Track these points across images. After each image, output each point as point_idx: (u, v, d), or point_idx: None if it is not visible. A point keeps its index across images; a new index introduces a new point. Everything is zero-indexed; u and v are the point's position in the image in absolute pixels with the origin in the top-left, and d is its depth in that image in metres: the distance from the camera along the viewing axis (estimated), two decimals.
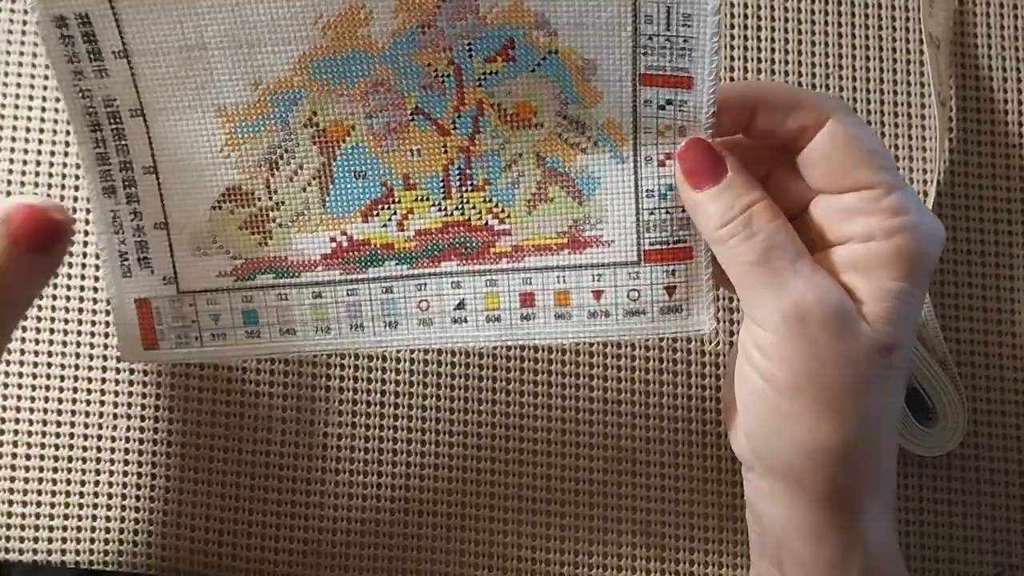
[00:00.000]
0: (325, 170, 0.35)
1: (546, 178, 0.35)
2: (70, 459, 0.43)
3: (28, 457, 0.43)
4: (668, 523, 0.43)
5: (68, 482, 0.43)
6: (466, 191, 0.35)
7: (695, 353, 0.44)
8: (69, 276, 0.44)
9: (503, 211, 0.36)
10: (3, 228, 0.30)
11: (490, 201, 0.35)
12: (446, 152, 0.35)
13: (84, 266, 0.44)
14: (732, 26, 0.47)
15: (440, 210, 0.35)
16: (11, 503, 0.42)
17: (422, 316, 0.36)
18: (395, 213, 0.36)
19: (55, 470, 0.43)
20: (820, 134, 0.32)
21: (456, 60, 0.34)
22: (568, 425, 0.44)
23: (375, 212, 0.36)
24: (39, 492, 0.43)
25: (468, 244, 0.36)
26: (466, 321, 0.36)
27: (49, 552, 0.42)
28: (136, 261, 0.36)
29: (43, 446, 0.43)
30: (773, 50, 0.47)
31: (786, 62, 0.46)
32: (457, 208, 0.35)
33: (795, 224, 0.33)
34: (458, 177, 0.35)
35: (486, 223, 0.36)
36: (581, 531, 0.43)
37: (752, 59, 0.46)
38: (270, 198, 0.36)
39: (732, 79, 0.46)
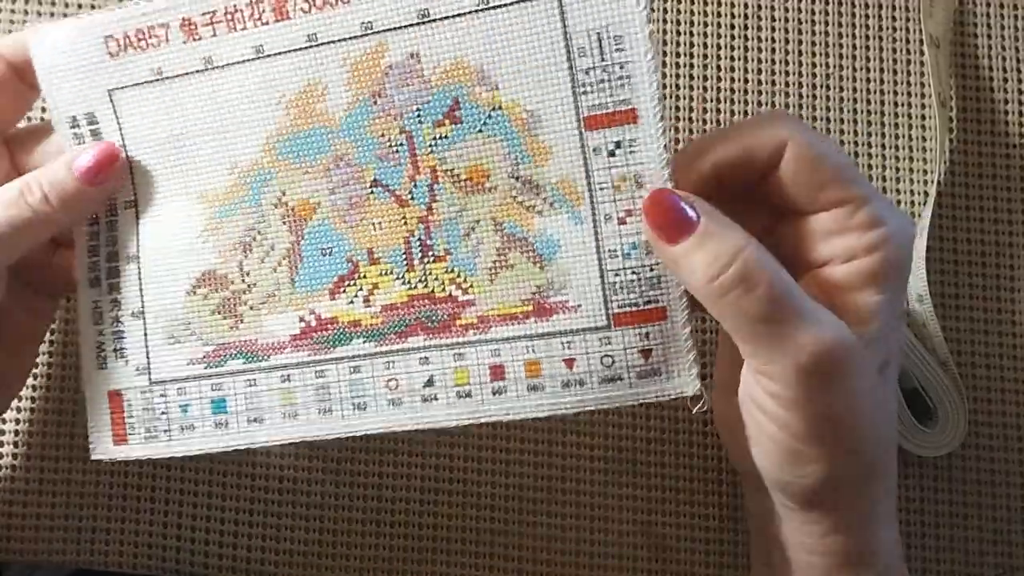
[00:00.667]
0: (294, 249, 0.35)
1: (505, 244, 0.34)
2: (70, 459, 0.43)
3: (28, 457, 0.43)
4: (668, 523, 0.43)
5: (68, 482, 0.43)
6: (428, 262, 0.35)
7: (695, 352, 0.44)
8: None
9: (466, 281, 0.35)
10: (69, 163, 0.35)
11: (452, 271, 0.35)
12: (406, 224, 0.35)
13: None
14: (732, 27, 0.47)
15: (404, 283, 0.35)
16: (11, 503, 0.42)
17: (391, 396, 0.35)
18: (361, 289, 0.35)
19: (55, 470, 0.43)
20: (784, 160, 0.31)
21: (407, 127, 0.34)
22: (568, 425, 0.44)
23: (342, 289, 0.35)
24: (39, 492, 0.43)
25: (434, 317, 0.35)
26: (436, 399, 0.35)
27: (49, 552, 0.42)
28: (112, 352, 0.37)
29: (43, 446, 0.43)
30: (773, 50, 0.47)
31: (786, 62, 0.46)
32: (421, 281, 0.35)
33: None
34: (419, 249, 0.35)
35: (450, 294, 0.35)
36: (581, 531, 0.43)
37: (752, 59, 0.46)
38: (243, 280, 0.36)
39: (733, 79, 0.46)
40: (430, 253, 0.35)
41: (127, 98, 0.36)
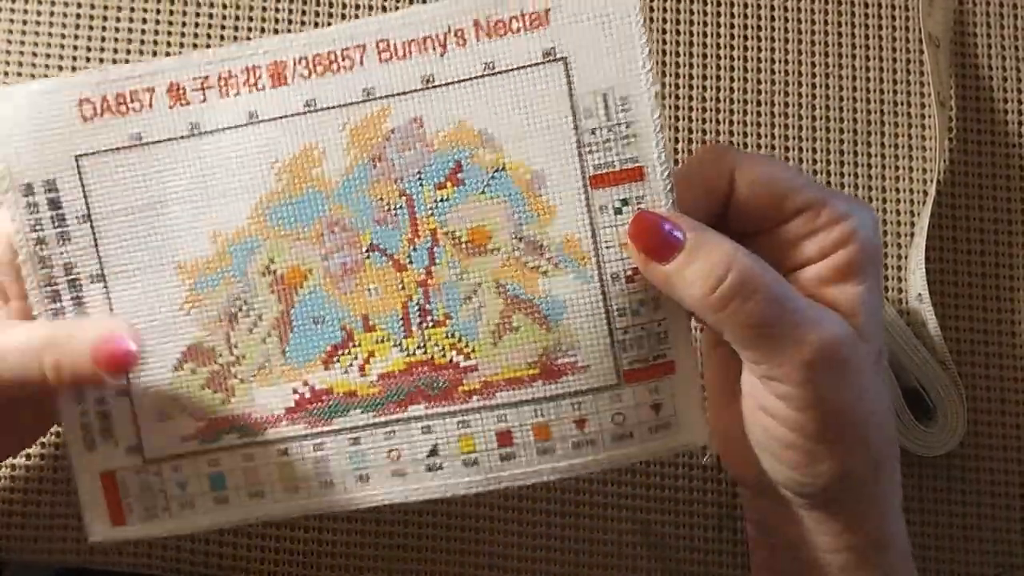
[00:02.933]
0: (284, 318, 0.34)
1: (509, 307, 0.34)
2: (70, 458, 0.43)
3: (28, 456, 0.43)
4: (668, 523, 0.43)
5: (68, 481, 0.43)
6: (427, 328, 0.34)
7: (696, 354, 0.44)
8: None
9: (467, 346, 0.34)
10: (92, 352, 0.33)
11: (453, 336, 0.34)
12: (404, 288, 0.34)
13: None
14: (732, 27, 0.47)
15: (402, 350, 0.34)
16: (11, 502, 0.42)
17: (394, 467, 0.34)
18: (356, 358, 0.34)
19: (55, 469, 0.43)
20: (737, 188, 0.32)
21: (407, 190, 0.34)
22: None
23: (336, 359, 0.34)
24: (39, 491, 0.43)
25: (434, 384, 0.34)
26: (442, 468, 0.34)
27: (49, 552, 0.42)
28: (98, 433, 0.35)
29: (43, 444, 0.43)
30: (773, 50, 0.47)
31: (786, 62, 0.46)
32: (419, 347, 0.34)
33: None
34: (418, 313, 0.34)
35: (451, 360, 0.34)
36: (581, 531, 0.43)
37: (752, 59, 0.46)
38: (231, 353, 0.34)
39: (733, 79, 0.46)
40: (429, 318, 0.34)
41: (97, 164, 0.34)
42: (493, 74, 0.33)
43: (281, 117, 0.34)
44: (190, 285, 0.34)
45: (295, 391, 0.34)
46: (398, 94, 0.34)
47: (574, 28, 0.33)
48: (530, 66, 0.33)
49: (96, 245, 0.34)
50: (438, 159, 0.34)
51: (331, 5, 0.46)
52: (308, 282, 0.34)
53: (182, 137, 0.34)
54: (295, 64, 0.34)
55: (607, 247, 0.33)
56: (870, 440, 0.32)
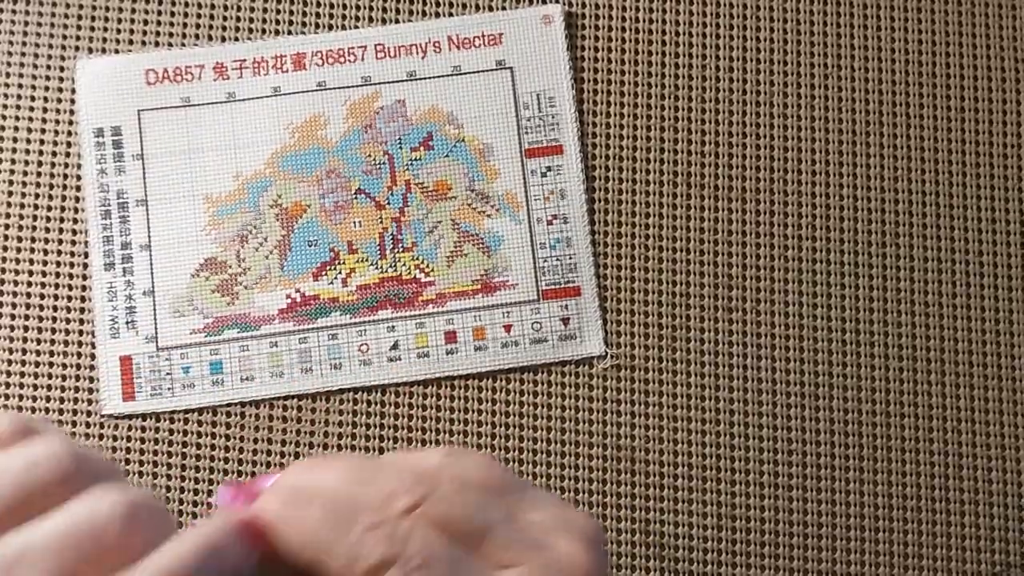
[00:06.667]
0: (285, 241, 0.44)
1: (461, 238, 0.44)
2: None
3: None
4: (668, 523, 0.43)
5: None
6: (398, 252, 0.44)
7: (695, 353, 0.44)
8: (71, 276, 0.44)
9: (428, 266, 0.44)
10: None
11: (418, 259, 0.44)
12: (381, 222, 0.44)
13: (85, 266, 0.44)
14: (732, 27, 0.47)
15: (377, 268, 0.44)
16: None
17: (363, 358, 0.43)
18: (340, 272, 0.44)
19: None
20: None
21: (389, 151, 0.44)
22: (568, 425, 0.44)
23: (324, 273, 0.44)
24: None
25: (400, 295, 0.44)
26: (400, 359, 0.43)
27: None
28: (124, 324, 0.43)
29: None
30: (773, 50, 0.47)
31: (785, 62, 0.47)
32: (391, 266, 0.44)
33: None
34: (391, 241, 0.44)
35: (414, 277, 0.44)
36: None
37: (752, 59, 0.46)
38: (239, 265, 0.44)
39: (732, 79, 0.46)
40: (399, 245, 0.44)
41: (153, 117, 0.44)
42: (460, 74, 0.45)
43: (298, 92, 0.44)
44: (213, 212, 0.44)
45: (288, 296, 0.44)
46: (388, 82, 0.45)
47: (519, 47, 0.45)
48: (487, 71, 0.45)
49: (144, 177, 0.44)
50: (415, 130, 0.45)
51: (332, 7, 0.46)
52: (306, 214, 0.44)
53: (220, 102, 0.44)
54: (312, 55, 0.45)
55: (535, 199, 0.44)
56: None
